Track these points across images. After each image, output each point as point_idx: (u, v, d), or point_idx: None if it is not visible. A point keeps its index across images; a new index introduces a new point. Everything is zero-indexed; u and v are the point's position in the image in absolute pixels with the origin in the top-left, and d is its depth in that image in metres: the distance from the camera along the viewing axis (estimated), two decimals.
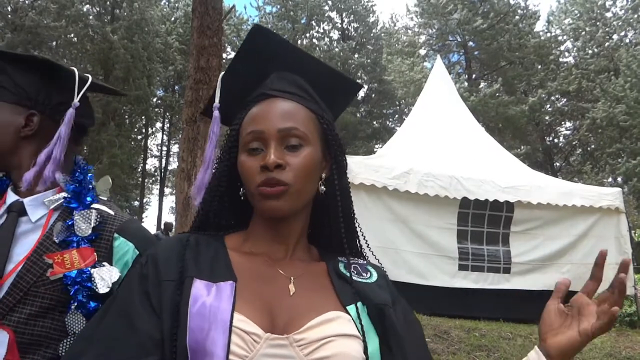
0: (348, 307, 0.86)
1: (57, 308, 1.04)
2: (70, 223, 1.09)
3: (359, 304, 0.87)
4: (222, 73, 0.99)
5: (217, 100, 0.98)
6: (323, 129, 0.93)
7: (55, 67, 1.20)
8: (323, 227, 0.99)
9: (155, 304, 0.81)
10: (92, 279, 1.04)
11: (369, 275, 0.95)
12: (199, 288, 0.81)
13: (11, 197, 1.14)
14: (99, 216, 1.12)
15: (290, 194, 0.86)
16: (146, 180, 27.73)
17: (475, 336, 4.97)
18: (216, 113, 0.97)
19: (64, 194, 1.14)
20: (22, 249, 1.07)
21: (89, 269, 1.05)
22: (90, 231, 1.09)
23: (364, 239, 1.02)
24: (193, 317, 0.77)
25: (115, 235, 1.13)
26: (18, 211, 1.10)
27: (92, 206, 1.14)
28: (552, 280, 6.57)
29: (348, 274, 0.91)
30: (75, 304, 1.03)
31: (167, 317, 0.79)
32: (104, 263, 1.08)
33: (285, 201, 0.86)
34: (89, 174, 1.21)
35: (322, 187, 0.93)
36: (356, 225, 1.00)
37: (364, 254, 1.02)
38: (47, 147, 1.12)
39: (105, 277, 1.05)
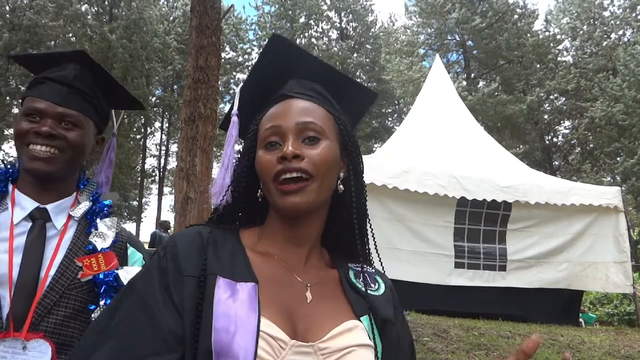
0: (362, 318, 0.87)
1: (85, 310, 1.11)
2: (92, 230, 1.20)
3: (371, 314, 0.88)
4: (241, 85, 1.01)
5: (235, 107, 0.99)
6: (340, 129, 0.94)
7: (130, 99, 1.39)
8: (337, 230, 0.98)
9: (176, 300, 0.78)
10: (119, 278, 1.15)
11: (377, 286, 0.95)
12: (222, 287, 0.79)
13: (27, 201, 1.16)
14: (118, 225, 1.24)
15: (309, 188, 0.85)
16: (145, 180, 27.68)
17: (474, 335, 4.97)
18: (234, 118, 0.99)
19: (85, 203, 1.23)
20: (49, 254, 1.13)
21: (114, 270, 1.15)
22: (113, 238, 1.20)
23: (374, 242, 1.01)
24: (218, 318, 0.75)
25: (127, 244, 1.24)
26: (44, 218, 1.16)
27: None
28: (549, 278, 6.60)
29: (358, 284, 0.92)
30: (104, 302, 1.11)
31: (189, 314, 0.77)
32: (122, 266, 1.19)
33: (305, 196, 0.84)
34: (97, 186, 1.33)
35: (341, 187, 0.93)
36: (368, 228, 0.99)
37: (371, 258, 1.02)
38: (102, 164, 1.37)
39: (130, 276, 1.14)
